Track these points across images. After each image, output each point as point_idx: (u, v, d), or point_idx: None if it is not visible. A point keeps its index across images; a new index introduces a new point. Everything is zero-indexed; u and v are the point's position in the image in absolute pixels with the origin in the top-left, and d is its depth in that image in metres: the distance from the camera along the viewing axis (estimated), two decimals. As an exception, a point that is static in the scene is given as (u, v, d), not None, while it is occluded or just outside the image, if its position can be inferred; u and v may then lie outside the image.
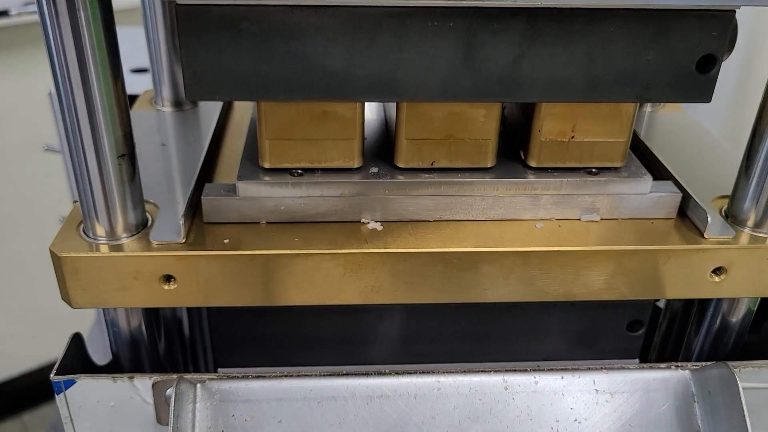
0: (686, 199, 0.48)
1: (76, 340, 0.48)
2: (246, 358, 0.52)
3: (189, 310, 0.63)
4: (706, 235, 0.45)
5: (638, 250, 0.45)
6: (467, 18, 0.39)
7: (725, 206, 0.48)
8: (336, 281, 0.44)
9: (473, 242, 0.44)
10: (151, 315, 0.48)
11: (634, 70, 0.42)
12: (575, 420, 0.45)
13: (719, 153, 0.56)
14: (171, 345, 0.54)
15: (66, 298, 0.44)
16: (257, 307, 0.48)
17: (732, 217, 0.47)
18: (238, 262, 0.43)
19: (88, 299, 0.43)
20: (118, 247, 0.43)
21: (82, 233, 0.44)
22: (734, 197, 0.47)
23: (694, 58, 0.42)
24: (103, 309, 0.47)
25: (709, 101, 0.43)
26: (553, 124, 0.45)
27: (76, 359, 0.48)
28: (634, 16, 0.40)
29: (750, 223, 0.46)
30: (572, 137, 0.45)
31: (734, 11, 0.41)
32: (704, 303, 0.51)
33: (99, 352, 0.50)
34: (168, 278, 0.43)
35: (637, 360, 0.53)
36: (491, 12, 0.39)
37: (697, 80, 0.42)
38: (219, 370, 0.52)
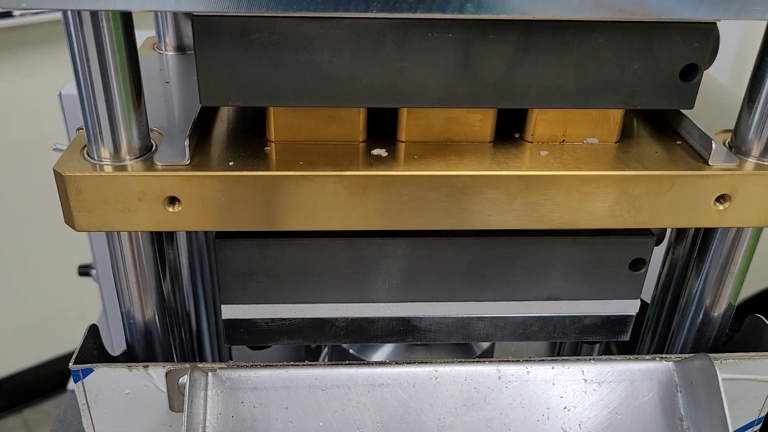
0: (690, 129, 0.49)
1: (93, 332, 0.50)
2: (251, 294, 0.51)
3: (196, 304, 0.66)
4: (710, 163, 0.46)
5: (642, 176, 0.45)
6: (465, 29, 0.42)
7: (728, 138, 0.48)
8: (340, 205, 0.44)
9: (478, 166, 0.45)
10: (164, 306, 0.51)
11: (621, 79, 0.44)
12: (564, 408, 0.48)
13: (721, 93, 0.56)
14: (181, 336, 0.56)
15: (69, 221, 0.44)
16: (263, 241, 0.49)
17: (736, 147, 0.47)
18: (243, 184, 0.43)
19: (92, 221, 0.44)
20: (122, 168, 0.43)
21: (86, 155, 0.44)
22: (737, 129, 0.47)
23: (677, 68, 0.44)
24: (120, 300, 0.49)
25: (692, 107, 0.46)
26: (544, 128, 0.47)
27: (92, 350, 0.50)
28: (621, 28, 0.43)
29: (755, 152, 0.46)
30: (563, 141, 0.48)
31: (715, 23, 0.44)
32: (689, 296, 0.54)
33: (108, 345, 0.53)
34: (173, 200, 0.44)
35: (638, 301, 0.54)
36: (487, 24, 0.42)
37: (680, 88, 0.45)
38: (223, 307, 0.52)
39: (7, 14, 1.42)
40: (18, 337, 1.70)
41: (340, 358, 0.65)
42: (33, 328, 1.70)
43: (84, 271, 0.97)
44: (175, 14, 0.60)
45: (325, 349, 0.72)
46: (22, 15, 1.44)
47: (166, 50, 0.61)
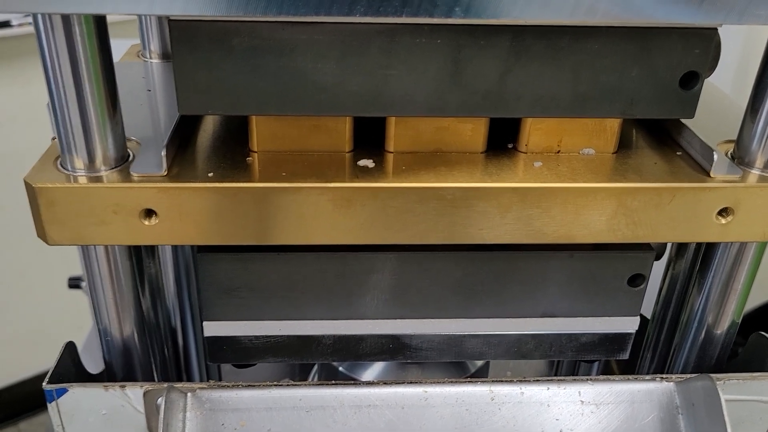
0: (690, 139, 0.47)
1: (69, 349, 0.48)
2: (234, 310, 0.49)
3: (183, 319, 0.64)
4: (712, 174, 0.44)
5: (641, 188, 0.43)
6: (454, 35, 0.40)
7: (731, 149, 0.47)
8: (325, 218, 0.43)
9: (469, 178, 0.43)
10: (143, 323, 0.49)
11: (618, 87, 0.43)
12: (560, 431, 0.46)
13: (723, 102, 0.54)
14: (164, 354, 0.54)
15: (42, 234, 0.43)
16: (246, 255, 0.47)
17: (738, 158, 0.46)
18: (222, 196, 0.42)
19: (65, 235, 0.42)
20: (97, 179, 0.41)
21: (59, 166, 0.42)
22: (740, 139, 0.45)
23: (677, 75, 0.42)
24: (96, 317, 0.47)
25: (692, 116, 0.44)
26: (539, 138, 0.46)
27: (69, 368, 0.48)
28: (619, 34, 0.41)
29: (758, 163, 0.45)
30: (558, 152, 0.46)
31: (716, 29, 0.42)
32: (690, 313, 0.52)
33: (97, 360, 0.51)
34: (149, 213, 0.42)
35: (638, 318, 0.52)
36: (478, 29, 0.40)
37: (680, 96, 0.43)
38: (205, 324, 0.49)
39: (6, 24, 1.42)
40: (15, 348, 1.68)
41: (329, 376, 0.63)
42: (30, 339, 1.68)
43: (74, 283, 0.95)
44: (159, 20, 0.59)
45: (315, 367, 0.70)
46: (20, 25, 1.43)
47: (150, 58, 0.60)
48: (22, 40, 1.45)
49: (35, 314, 1.66)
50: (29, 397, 1.77)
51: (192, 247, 0.59)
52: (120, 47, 0.64)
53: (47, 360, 0.46)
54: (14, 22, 1.42)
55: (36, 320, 1.66)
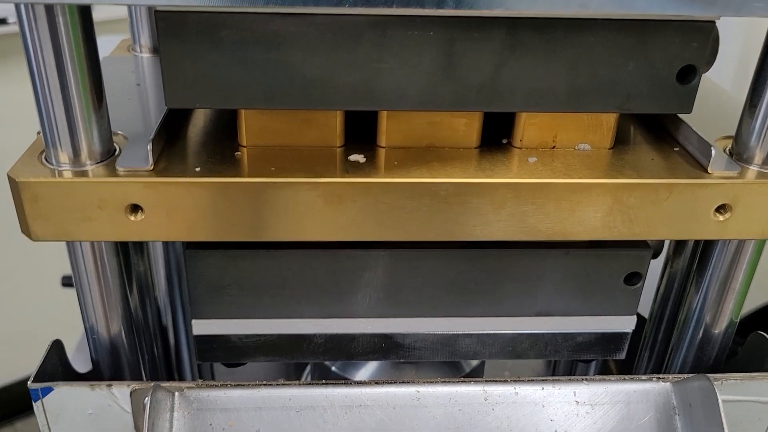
0: (688, 134, 0.46)
1: (56, 347, 0.47)
2: (224, 308, 0.48)
3: (174, 315, 0.63)
4: (709, 170, 0.43)
5: (637, 184, 0.43)
6: (447, 27, 0.39)
7: (729, 145, 0.46)
8: (316, 214, 0.42)
9: (462, 173, 0.42)
10: (131, 321, 0.48)
11: (614, 81, 0.42)
12: (555, 431, 0.45)
13: (721, 98, 0.54)
14: (153, 353, 0.54)
15: (26, 230, 0.42)
16: (236, 252, 0.46)
17: (737, 154, 0.45)
18: (210, 191, 0.41)
19: (49, 231, 0.41)
20: (82, 174, 0.40)
21: (43, 160, 0.41)
22: (738, 135, 0.45)
23: (674, 69, 0.42)
24: (83, 315, 0.47)
25: (690, 111, 0.44)
26: (533, 133, 0.45)
27: (56, 366, 0.47)
28: (615, 26, 0.40)
29: (757, 159, 0.44)
30: (553, 147, 0.45)
31: (714, 22, 0.41)
32: (688, 312, 0.51)
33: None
34: (135, 208, 0.41)
35: (634, 317, 0.51)
36: (471, 21, 0.39)
37: (677, 91, 0.42)
38: (194, 322, 0.49)
39: (1, 21, 1.41)
40: (12, 348, 1.67)
41: (322, 375, 0.62)
42: (27, 338, 1.67)
43: (67, 281, 0.94)
44: (149, 13, 0.58)
45: (308, 367, 0.69)
46: (16, 23, 1.43)
47: (141, 52, 0.59)
48: (19, 37, 1.44)
49: (32, 313, 1.65)
50: (26, 397, 1.75)
51: (182, 243, 0.59)
52: (111, 43, 0.63)
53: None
54: (11, 20, 1.41)
55: (33, 319, 1.65)
